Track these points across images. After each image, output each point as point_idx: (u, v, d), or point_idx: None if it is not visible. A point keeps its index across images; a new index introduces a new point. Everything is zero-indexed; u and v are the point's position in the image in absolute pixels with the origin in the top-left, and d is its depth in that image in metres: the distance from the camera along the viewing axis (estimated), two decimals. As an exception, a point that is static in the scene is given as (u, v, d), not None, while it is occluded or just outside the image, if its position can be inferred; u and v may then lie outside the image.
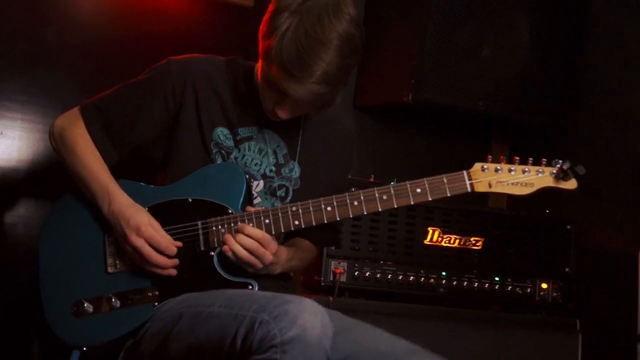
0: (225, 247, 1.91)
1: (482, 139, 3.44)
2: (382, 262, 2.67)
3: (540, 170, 1.90)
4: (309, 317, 1.65)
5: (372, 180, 2.76)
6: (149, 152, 2.09)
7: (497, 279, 2.76)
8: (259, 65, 1.99)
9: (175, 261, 1.94)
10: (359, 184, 2.51)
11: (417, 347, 1.83)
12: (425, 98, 2.87)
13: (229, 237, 1.91)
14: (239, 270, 1.95)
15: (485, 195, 3.18)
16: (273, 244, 1.92)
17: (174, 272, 1.94)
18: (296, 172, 2.11)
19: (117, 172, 2.04)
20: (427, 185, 1.90)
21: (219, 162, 2.03)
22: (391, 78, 3.00)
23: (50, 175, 2.60)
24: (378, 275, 2.65)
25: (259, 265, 1.91)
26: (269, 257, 1.91)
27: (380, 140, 3.31)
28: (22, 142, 2.66)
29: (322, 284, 2.61)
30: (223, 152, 2.04)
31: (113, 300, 1.95)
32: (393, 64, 3.00)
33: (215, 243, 1.95)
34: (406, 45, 2.91)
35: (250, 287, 1.92)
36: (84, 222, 2.02)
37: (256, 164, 2.07)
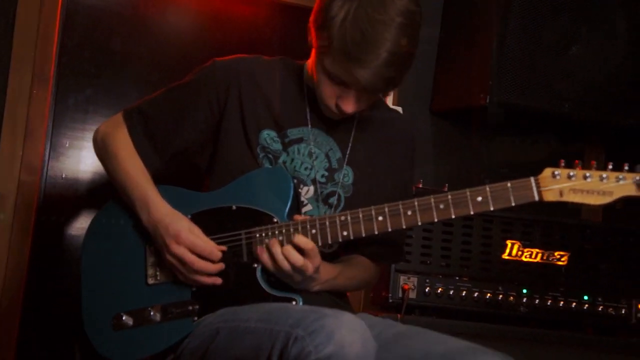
0: (264, 257, 1.78)
1: (574, 145, 3.18)
2: (455, 277, 2.49)
3: (621, 176, 1.64)
4: (347, 333, 1.51)
5: (445, 190, 2.57)
6: (194, 158, 2.00)
7: (586, 298, 2.52)
8: (310, 62, 1.87)
9: (221, 265, 1.82)
10: (430, 194, 2.34)
11: (477, 346, 1.66)
12: (504, 100, 2.67)
13: (274, 242, 1.78)
14: (283, 284, 1.82)
15: (578, 207, 2.99)
16: (317, 258, 1.79)
17: (219, 280, 1.83)
18: (349, 178, 1.96)
19: (163, 179, 1.96)
20: (489, 193, 1.70)
21: (265, 167, 1.91)
22: (469, 79, 2.81)
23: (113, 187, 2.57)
24: (451, 292, 2.47)
25: (299, 278, 1.78)
26: (310, 270, 1.77)
27: (458, 146, 3.11)
28: (87, 152, 2.65)
29: (390, 300, 2.46)
30: (270, 156, 1.92)
31: (152, 313, 1.86)
32: (471, 64, 2.82)
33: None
34: (484, 43, 2.72)
35: (294, 302, 1.79)
36: (125, 231, 1.95)
37: (306, 168, 1.94)
